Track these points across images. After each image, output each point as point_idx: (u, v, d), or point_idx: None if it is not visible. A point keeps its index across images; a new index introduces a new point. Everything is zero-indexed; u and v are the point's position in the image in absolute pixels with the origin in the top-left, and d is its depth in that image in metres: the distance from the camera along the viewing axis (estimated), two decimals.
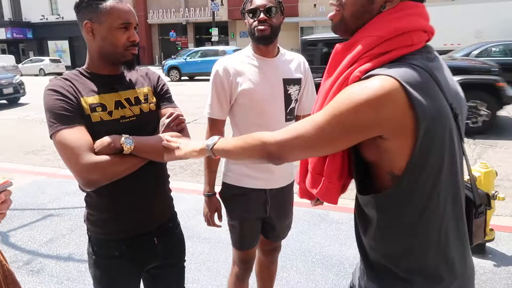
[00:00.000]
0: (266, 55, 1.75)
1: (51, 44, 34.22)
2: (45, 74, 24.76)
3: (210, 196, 1.87)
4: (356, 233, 1.11)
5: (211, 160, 1.79)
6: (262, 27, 1.64)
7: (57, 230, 3.52)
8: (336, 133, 0.92)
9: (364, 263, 1.07)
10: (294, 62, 1.82)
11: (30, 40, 35.55)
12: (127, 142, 1.22)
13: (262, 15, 1.64)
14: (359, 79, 0.92)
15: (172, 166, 5.48)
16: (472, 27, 15.12)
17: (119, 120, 1.32)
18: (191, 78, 19.04)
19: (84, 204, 1.44)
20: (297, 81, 1.80)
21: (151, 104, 1.42)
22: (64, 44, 33.14)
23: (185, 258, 1.61)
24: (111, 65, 1.35)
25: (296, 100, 1.82)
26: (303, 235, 3.29)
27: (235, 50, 19.16)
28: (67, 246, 3.23)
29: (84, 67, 1.38)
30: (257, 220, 1.90)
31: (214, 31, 24.91)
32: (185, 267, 1.63)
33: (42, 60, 26.31)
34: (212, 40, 25.10)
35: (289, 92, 1.77)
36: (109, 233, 1.39)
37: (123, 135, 1.24)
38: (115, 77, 1.37)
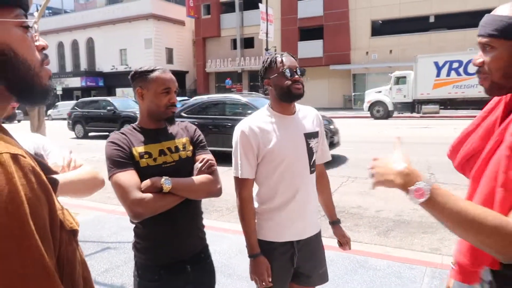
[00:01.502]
0: (288, 112, 1.84)
1: (119, 91, 37.28)
2: None
3: (257, 256, 1.80)
4: None
5: (251, 221, 1.80)
6: (299, 86, 1.76)
7: (113, 262, 3.88)
8: None
9: None
10: (310, 116, 1.93)
11: (101, 87, 39.11)
12: (166, 182, 1.52)
13: (297, 76, 1.76)
14: None
15: (219, 208, 5.77)
16: None
17: (161, 165, 1.64)
18: None
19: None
20: (316, 134, 1.90)
21: (188, 152, 1.73)
22: (130, 91, 35.70)
23: None
24: (156, 121, 1.70)
25: (316, 151, 1.92)
26: (339, 280, 3.35)
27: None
28: (121, 277, 3.55)
29: (136, 123, 1.75)
30: (286, 274, 1.88)
31: None
32: None
33: None
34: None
35: (310, 146, 1.86)
36: (150, 259, 1.67)
37: (163, 177, 1.54)
38: (159, 130, 1.72)
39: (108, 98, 17.49)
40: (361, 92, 27.00)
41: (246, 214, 1.81)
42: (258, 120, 1.82)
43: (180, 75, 38.20)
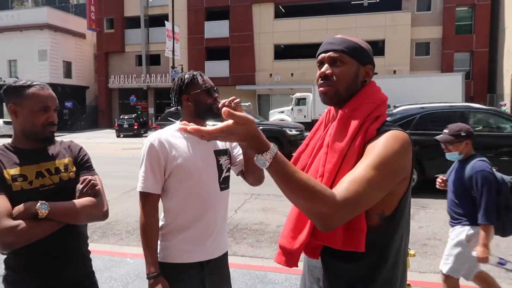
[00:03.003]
0: None
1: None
2: None
3: (156, 277, 1.68)
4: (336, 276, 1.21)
5: (151, 237, 1.71)
6: (218, 105, 1.76)
7: None
8: (387, 182, 1.06)
9: None
10: None
11: None
12: (42, 207, 1.40)
13: (216, 95, 1.81)
14: (375, 136, 1.13)
15: (118, 231, 5.46)
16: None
17: (38, 188, 1.51)
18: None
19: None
20: (225, 152, 1.89)
21: (71, 173, 1.63)
22: None
23: None
24: (33, 140, 1.58)
25: (228, 169, 1.90)
26: None
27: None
28: None
29: (9, 142, 1.60)
30: None
31: None
32: None
33: None
34: (171, 104, 25.72)
35: (220, 163, 1.84)
36: None
37: (39, 201, 1.42)
38: (37, 150, 1.59)
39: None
40: (266, 112, 28.11)
41: (148, 229, 1.71)
42: (169, 134, 1.78)
43: (79, 91, 35.75)
